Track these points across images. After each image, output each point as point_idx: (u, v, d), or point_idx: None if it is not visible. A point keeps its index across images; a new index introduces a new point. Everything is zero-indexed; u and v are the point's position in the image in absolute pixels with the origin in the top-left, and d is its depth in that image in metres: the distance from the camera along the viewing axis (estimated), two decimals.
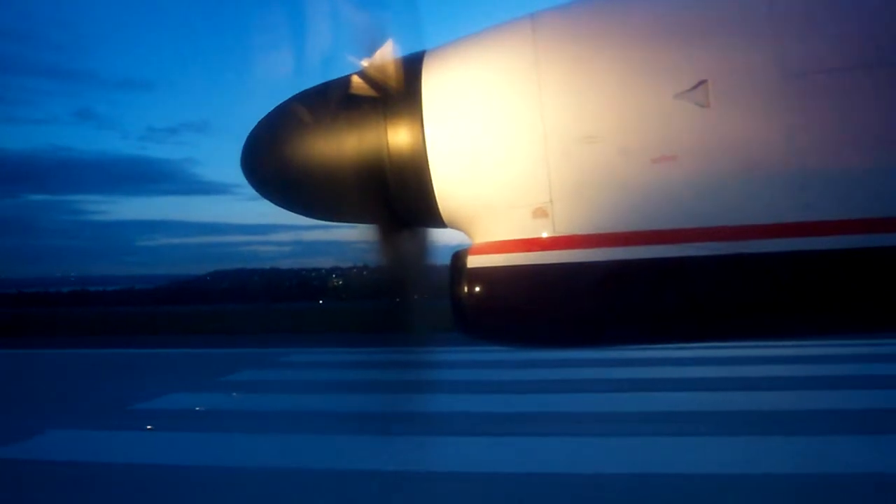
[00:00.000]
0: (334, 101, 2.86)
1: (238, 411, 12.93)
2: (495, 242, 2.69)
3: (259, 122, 3.06)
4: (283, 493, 8.08)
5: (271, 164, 3.04)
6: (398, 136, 2.75)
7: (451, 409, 11.28)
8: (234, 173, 3.21)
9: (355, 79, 2.82)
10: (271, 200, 3.19)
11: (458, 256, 2.80)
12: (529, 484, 8.04)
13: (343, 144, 2.82)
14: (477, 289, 2.71)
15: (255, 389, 15.01)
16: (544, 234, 2.57)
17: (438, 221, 2.93)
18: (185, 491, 8.24)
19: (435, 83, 2.75)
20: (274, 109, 3.03)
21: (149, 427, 11.63)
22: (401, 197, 2.84)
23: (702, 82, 2.42)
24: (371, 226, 3.04)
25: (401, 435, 9.89)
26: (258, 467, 8.92)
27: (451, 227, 2.96)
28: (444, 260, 2.97)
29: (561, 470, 8.48)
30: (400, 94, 2.76)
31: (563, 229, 2.55)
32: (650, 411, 11.23)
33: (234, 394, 14.75)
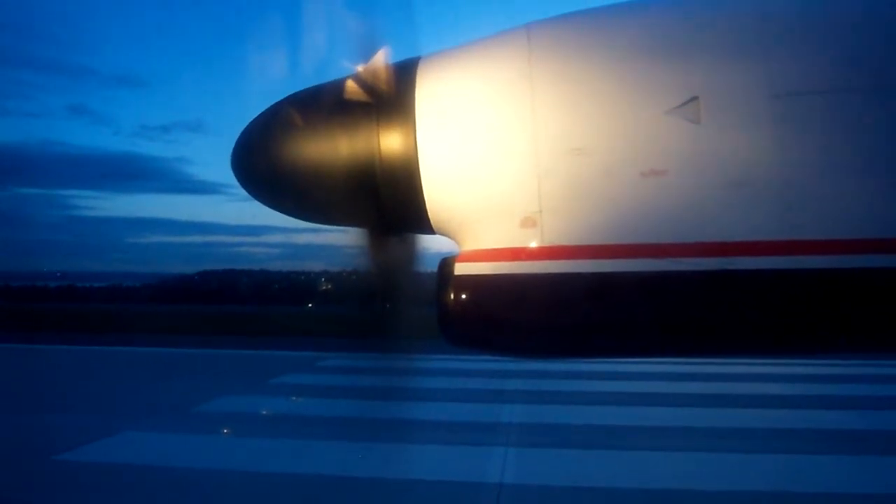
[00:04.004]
0: (327, 104, 2.86)
1: (303, 416, 12.74)
2: (483, 250, 2.69)
3: (251, 123, 3.06)
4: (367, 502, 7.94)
5: (262, 164, 3.04)
6: (390, 142, 2.76)
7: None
8: (226, 173, 3.20)
9: (349, 83, 2.82)
10: (261, 201, 3.18)
11: (446, 263, 2.80)
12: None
13: (334, 148, 2.82)
14: (463, 296, 2.71)
15: (307, 393, 14.82)
16: (532, 244, 2.58)
17: (427, 228, 2.93)
18: (270, 499, 8.06)
19: (429, 90, 2.75)
20: (266, 110, 3.03)
21: (225, 431, 11.48)
22: (390, 202, 2.84)
23: (693, 99, 2.44)
24: (360, 230, 3.04)
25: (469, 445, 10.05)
26: (344, 476, 8.80)
27: (440, 234, 2.96)
28: (432, 267, 2.97)
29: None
30: (393, 99, 2.77)
31: (551, 239, 2.56)
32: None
33: (294, 398, 14.55)
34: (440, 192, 2.74)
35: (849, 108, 2.39)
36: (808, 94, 2.41)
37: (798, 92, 2.41)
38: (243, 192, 3.19)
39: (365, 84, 2.80)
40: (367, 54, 2.82)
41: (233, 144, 3.12)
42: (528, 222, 2.57)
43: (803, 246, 2.38)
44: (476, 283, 2.69)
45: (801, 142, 2.41)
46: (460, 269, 2.72)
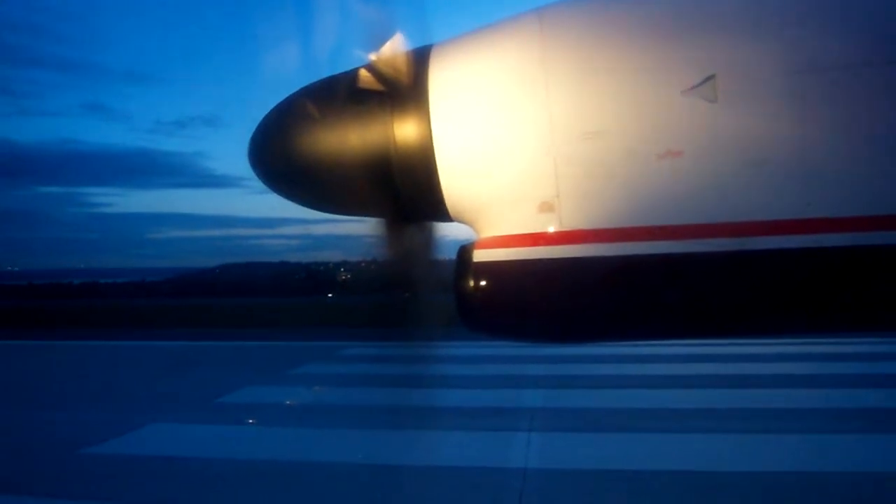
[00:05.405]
0: (341, 94, 2.87)
1: (326, 405, 12.81)
2: (501, 237, 2.70)
3: (266, 115, 3.08)
4: (394, 489, 7.97)
5: (278, 156, 3.06)
6: (405, 130, 2.76)
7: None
8: (243, 167, 3.23)
9: (363, 72, 2.83)
10: (279, 193, 3.20)
11: (464, 250, 2.81)
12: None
13: (350, 138, 2.84)
14: (482, 283, 2.72)
15: (329, 382, 14.85)
16: (550, 229, 2.58)
17: (445, 215, 2.94)
18: (298, 488, 8.09)
19: (442, 77, 2.76)
20: (281, 102, 3.05)
21: (251, 421, 11.56)
22: (407, 191, 2.85)
23: (710, 78, 2.42)
24: (378, 220, 3.05)
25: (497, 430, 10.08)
26: (368, 464, 8.81)
27: (458, 222, 2.97)
28: (450, 254, 2.98)
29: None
30: (407, 88, 2.78)
31: (569, 224, 2.56)
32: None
33: (316, 387, 14.61)
34: (456, 180, 2.75)
35: (866, 84, 2.36)
36: (825, 70, 2.38)
37: (814, 69, 2.39)
38: (261, 185, 3.22)
39: (378, 73, 2.81)
40: (379, 44, 2.82)
41: (249, 137, 3.14)
42: (546, 207, 2.57)
43: (823, 224, 2.36)
44: (495, 270, 2.69)
45: (819, 119, 2.39)
46: (479, 255, 2.73)
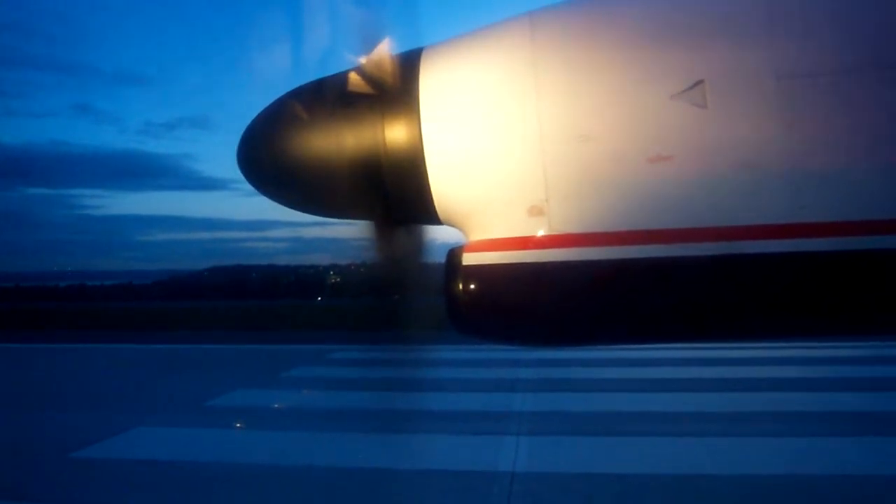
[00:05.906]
0: (331, 97, 2.87)
1: (316, 408, 12.74)
2: (491, 240, 2.69)
3: (255, 118, 3.07)
4: (382, 493, 7.96)
5: (267, 159, 3.05)
6: (395, 133, 2.76)
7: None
8: (232, 169, 3.23)
9: (352, 75, 2.83)
10: (268, 196, 3.20)
11: (454, 254, 2.80)
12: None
13: (339, 141, 2.83)
14: (472, 286, 2.71)
15: (319, 386, 14.75)
16: (540, 233, 2.58)
17: (434, 219, 2.93)
18: (287, 492, 8.06)
19: (432, 80, 2.75)
20: (270, 105, 3.04)
21: (238, 425, 11.50)
22: (397, 194, 2.85)
23: (699, 83, 2.43)
24: (367, 223, 3.05)
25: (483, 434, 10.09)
26: (356, 467, 8.78)
27: (447, 225, 2.97)
28: (440, 257, 2.98)
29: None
30: (397, 90, 2.77)
31: (559, 228, 2.56)
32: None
33: (305, 390, 14.59)
34: (446, 183, 2.75)
35: (855, 88, 2.37)
36: (815, 75, 2.39)
37: (804, 73, 2.40)
38: (250, 188, 3.21)
39: (368, 76, 2.80)
40: (369, 46, 2.82)
41: (238, 140, 3.13)
42: (535, 211, 2.57)
43: (812, 228, 2.37)
44: (484, 273, 2.69)
45: (808, 124, 2.40)
46: (468, 259, 2.72)
